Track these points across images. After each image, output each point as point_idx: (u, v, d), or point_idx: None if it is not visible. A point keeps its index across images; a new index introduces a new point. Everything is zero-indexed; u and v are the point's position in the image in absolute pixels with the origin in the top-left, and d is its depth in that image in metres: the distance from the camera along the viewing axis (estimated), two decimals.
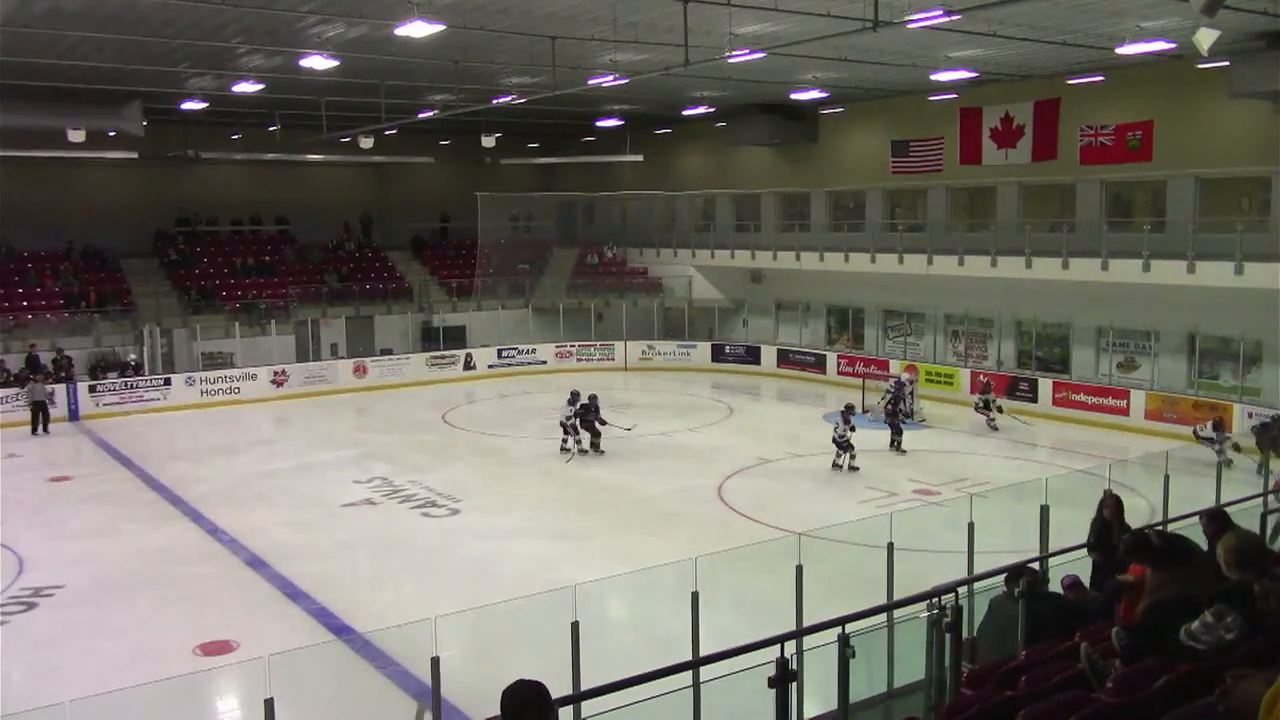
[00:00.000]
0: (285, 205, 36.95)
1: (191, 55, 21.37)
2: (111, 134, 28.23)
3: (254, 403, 28.03)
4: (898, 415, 21.92)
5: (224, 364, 29.06)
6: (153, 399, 27.02)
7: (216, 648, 11.75)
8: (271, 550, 15.44)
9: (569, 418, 21.45)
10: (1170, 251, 22.40)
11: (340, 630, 12.34)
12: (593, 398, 21.63)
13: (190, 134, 32.97)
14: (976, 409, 23.71)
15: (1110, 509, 9.82)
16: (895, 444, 21.33)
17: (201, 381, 28.03)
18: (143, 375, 27.57)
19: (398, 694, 10.52)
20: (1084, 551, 9.92)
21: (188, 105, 28.00)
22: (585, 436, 21.40)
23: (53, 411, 25.21)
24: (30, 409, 24.68)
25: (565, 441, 21.45)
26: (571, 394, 21.84)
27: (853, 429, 19.68)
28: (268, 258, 34.97)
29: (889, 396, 22.61)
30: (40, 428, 24.55)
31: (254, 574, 14.57)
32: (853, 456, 19.60)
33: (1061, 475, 17.91)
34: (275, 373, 28.98)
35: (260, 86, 24.51)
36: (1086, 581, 9.05)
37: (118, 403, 26.65)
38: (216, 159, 34.19)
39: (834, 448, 19.82)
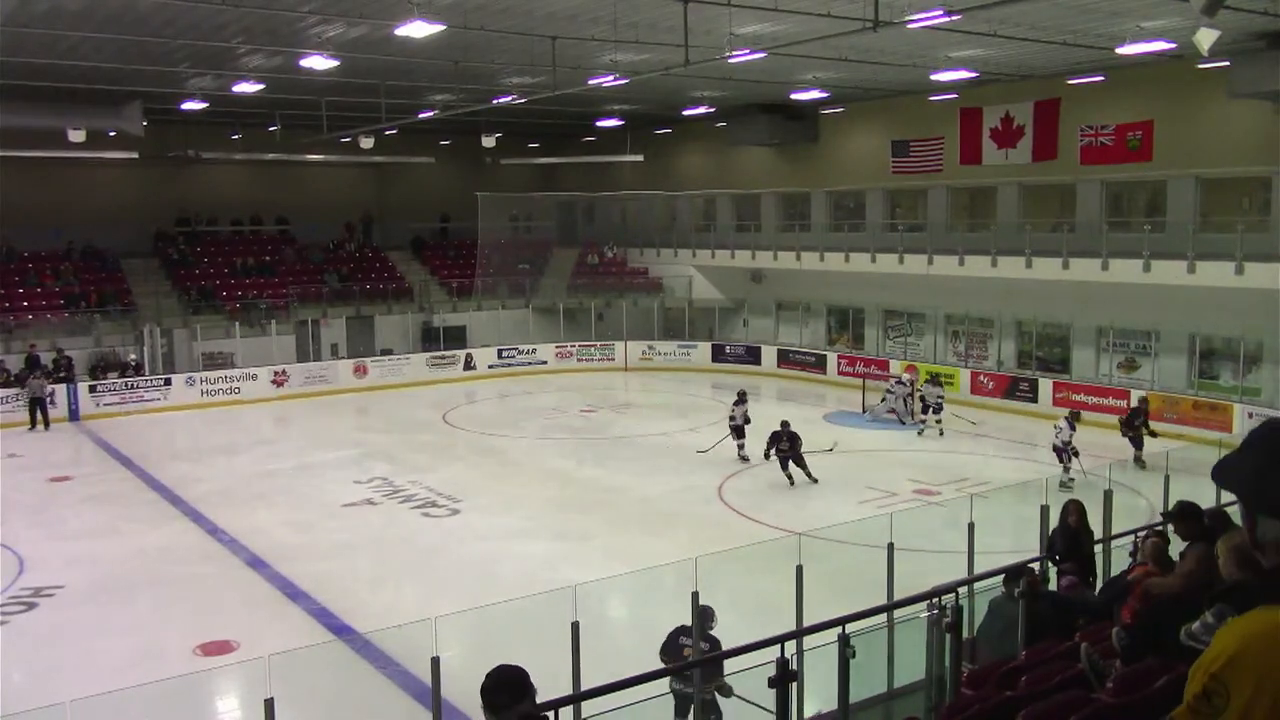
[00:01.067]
0: (285, 205, 36.94)
1: (191, 55, 21.38)
2: (111, 134, 28.24)
3: (254, 403, 28.04)
4: (1139, 430, 19.60)
5: (224, 364, 29.06)
6: (153, 399, 27.02)
7: (217, 648, 11.75)
8: (272, 550, 15.45)
9: (736, 420, 20.65)
10: (1170, 251, 22.41)
11: (340, 630, 12.34)
12: (785, 424, 18.93)
13: (190, 134, 33.00)
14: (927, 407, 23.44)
15: (1076, 516, 9.81)
16: (1137, 459, 19.27)
17: (202, 382, 28.03)
18: (143, 375, 27.58)
19: (398, 694, 10.52)
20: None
21: (188, 105, 28.01)
22: (740, 441, 20.47)
23: (53, 411, 25.25)
24: (29, 405, 24.80)
25: (741, 448, 20.45)
26: (739, 393, 21.23)
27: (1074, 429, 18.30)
28: (268, 258, 34.97)
29: (1135, 415, 20.08)
30: (41, 424, 24.68)
31: (254, 574, 14.58)
32: (1067, 469, 17.99)
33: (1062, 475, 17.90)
34: (275, 373, 28.98)
35: (260, 86, 24.51)
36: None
37: (118, 403, 26.65)
38: (217, 159, 34.22)
39: (1060, 458, 18.50)
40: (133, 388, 26.99)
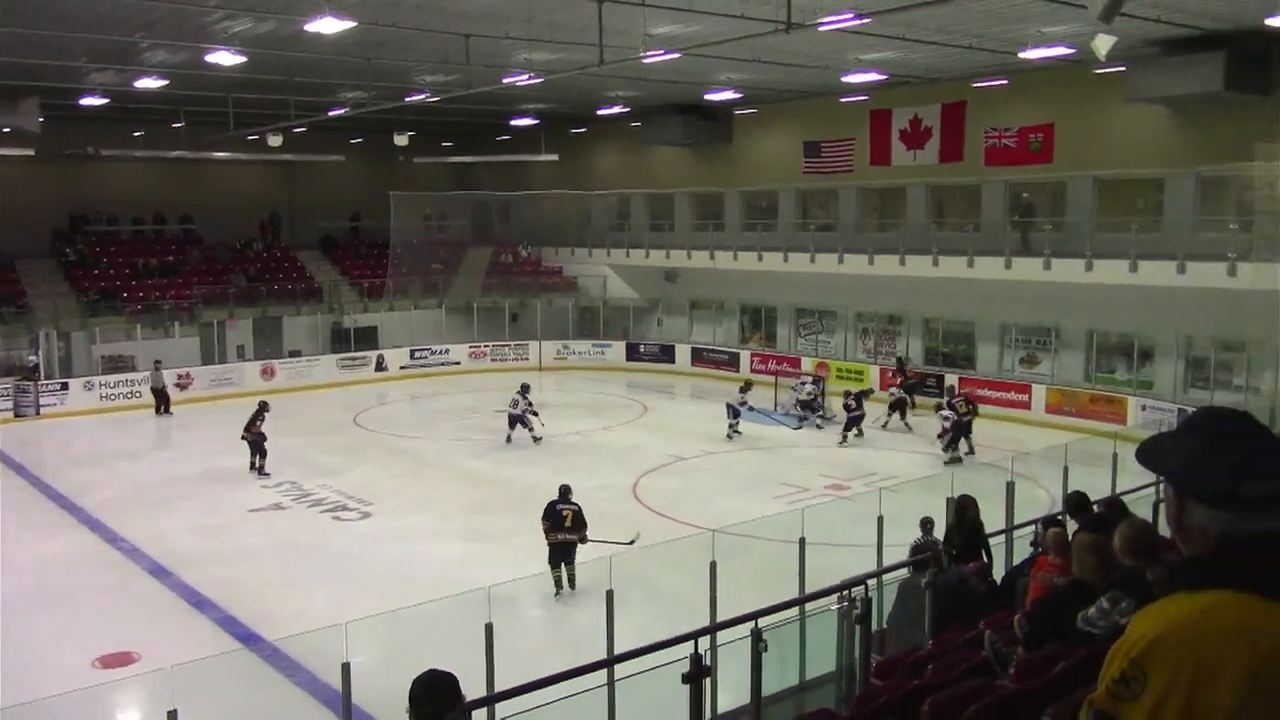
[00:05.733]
0: (190, 204, 35.98)
1: (91, 49, 20.69)
2: (6, 130, 27.17)
3: (156, 406, 27.21)
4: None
5: (125, 367, 28.19)
6: (49, 404, 26.07)
7: (117, 659, 11.39)
8: (175, 558, 15.03)
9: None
10: (1070, 251, 23.11)
11: (248, 638, 12.07)
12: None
13: (90, 130, 31.92)
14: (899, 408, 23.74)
15: (975, 510, 10.04)
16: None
17: (101, 385, 27.16)
18: (37, 380, 26.58)
19: (309, 702, 10.33)
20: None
21: (87, 101, 27.09)
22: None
23: None
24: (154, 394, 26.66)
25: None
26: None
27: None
28: (171, 258, 34.03)
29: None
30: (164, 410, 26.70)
31: (156, 583, 14.18)
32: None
33: (966, 468, 18.34)
34: (179, 375, 28.19)
35: (164, 82, 23.84)
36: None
37: (9, 408, 25.65)
38: (117, 156, 33.19)
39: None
40: (25, 392, 26.00)
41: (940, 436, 20.48)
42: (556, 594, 13.22)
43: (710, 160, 34.03)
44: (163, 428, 25.71)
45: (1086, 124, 24.68)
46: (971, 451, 20.21)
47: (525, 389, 22.61)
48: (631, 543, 13.14)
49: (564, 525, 13.39)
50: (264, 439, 20.01)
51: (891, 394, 23.90)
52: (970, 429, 20.33)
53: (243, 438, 20.10)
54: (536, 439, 22.13)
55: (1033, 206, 25.09)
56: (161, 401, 26.69)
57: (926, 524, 10.26)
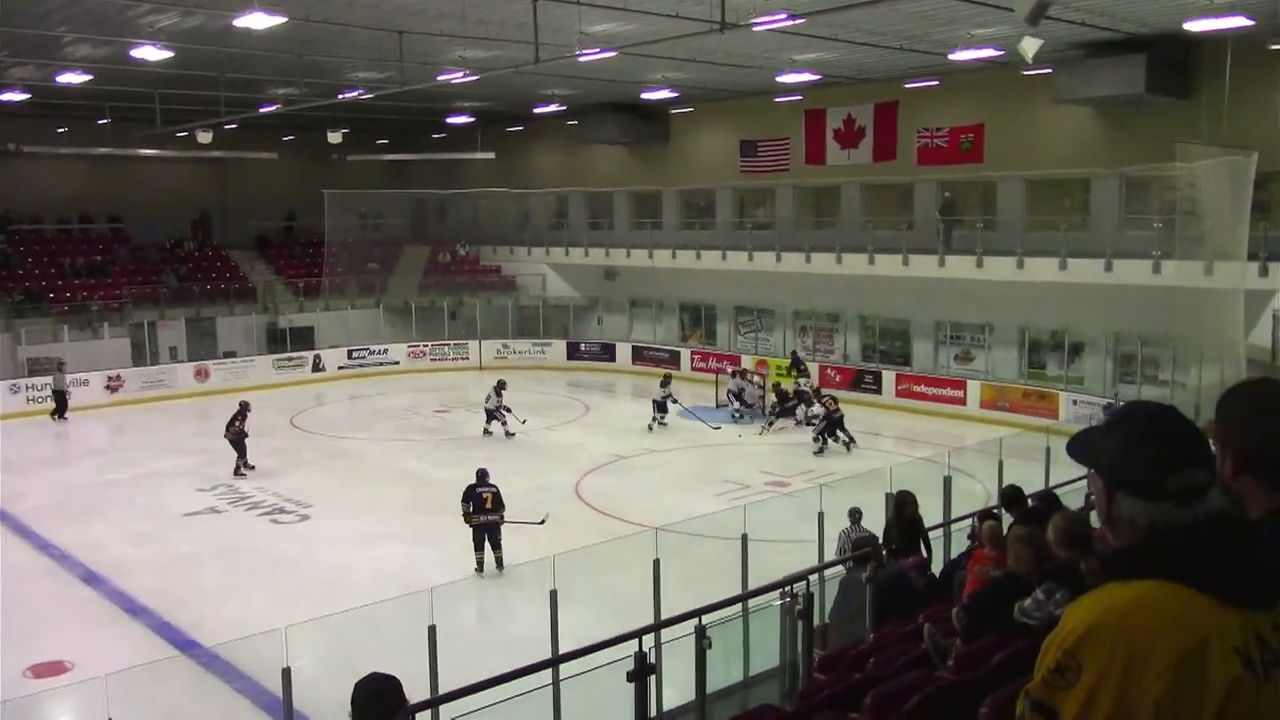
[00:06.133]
0: (118, 202, 35.11)
1: (11, 43, 20.12)
2: None
3: (87, 410, 26.55)
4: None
5: (53, 370, 27.46)
6: None
7: (49, 669, 11.13)
8: (109, 565, 14.71)
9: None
10: (1001, 249, 23.57)
11: (185, 645, 11.87)
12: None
13: (11, 127, 31.03)
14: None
15: (913, 506, 10.24)
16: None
17: (28, 389, 26.45)
18: None
19: (249, 709, 10.19)
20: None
21: (7, 96, 26.35)
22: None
23: None
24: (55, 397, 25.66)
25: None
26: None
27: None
28: (99, 257, 33.23)
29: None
30: (59, 415, 25.55)
31: (90, 590, 13.87)
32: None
33: (905, 464, 18.59)
34: (110, 378, 27.57)
35: (88, 78, 23.27)
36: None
37: None
38: (40, 153, 32.30)
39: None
40: None
41: (812, 425, 21.65)
42: (480, 574, 13.90)
43: (648, 159, 34.11)
44: (96, 430, 25.08)
45: (1016, 124, 25.16)
46: (850, 441, 21.07)
47: (501, 385, 23.18)
48: (541, 522, 14.46)
49: (485, 507, 14.09)
50: (245, 436, 19.97)
51: (798, 384, 24.26)
52: (842, 423, 21.15)
53: (224, 438, 20.07)
54: (509, 434, 22.51)
55: (954, 204, 25.58)
56: (60, 405, 25.64)
57: (855, 514, 10.51)
